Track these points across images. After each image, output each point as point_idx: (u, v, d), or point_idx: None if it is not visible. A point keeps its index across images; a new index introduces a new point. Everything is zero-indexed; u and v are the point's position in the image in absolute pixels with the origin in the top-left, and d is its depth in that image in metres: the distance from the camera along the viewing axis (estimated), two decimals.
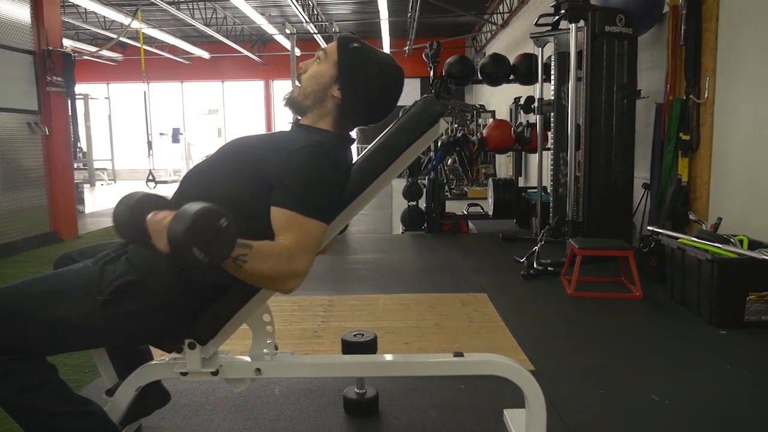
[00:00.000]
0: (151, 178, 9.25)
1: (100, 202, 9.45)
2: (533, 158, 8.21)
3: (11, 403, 1.27)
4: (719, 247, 2.86)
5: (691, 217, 3.63)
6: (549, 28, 4.86)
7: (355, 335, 1.93)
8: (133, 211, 1.19)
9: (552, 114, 4.99)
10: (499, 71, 5.64)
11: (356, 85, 1.38)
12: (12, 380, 1.24)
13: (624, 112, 4.22)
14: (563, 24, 4.82)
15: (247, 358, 1.54)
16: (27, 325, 1.26)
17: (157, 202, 1.22)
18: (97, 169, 13.47)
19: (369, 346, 1.88)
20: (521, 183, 7.39)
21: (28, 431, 1.32)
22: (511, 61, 5.68)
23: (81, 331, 1.30)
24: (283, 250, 1.20)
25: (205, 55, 13.69)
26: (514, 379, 1.54)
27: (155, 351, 1.72)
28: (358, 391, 1.95)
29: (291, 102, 1.44)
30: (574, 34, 4.09)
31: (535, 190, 5.83)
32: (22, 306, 1.27)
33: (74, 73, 5.49)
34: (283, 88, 15.61)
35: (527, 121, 6.07)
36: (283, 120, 15.48)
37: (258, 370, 1.53)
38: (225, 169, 1.37)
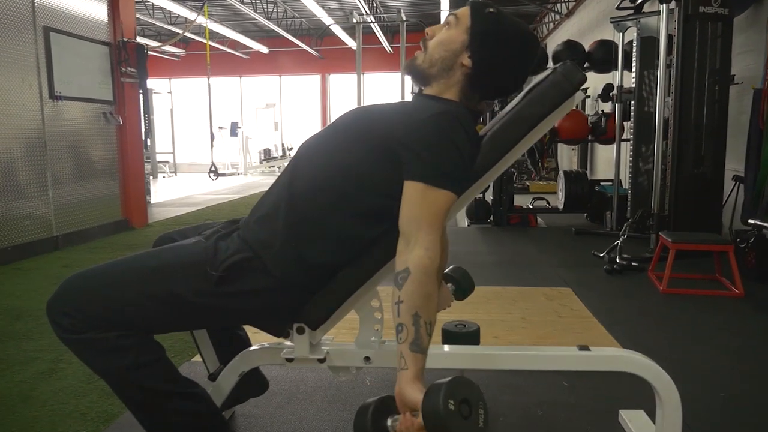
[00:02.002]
0: (213, 170, 9.42)
1: (163, 193, 9.71)
2: (600, 150, 7.90)
3: (118, 380, 1.23)
4: None
5: None
6: (631, 12, 4.61)
7: (456, 325, 1.82)
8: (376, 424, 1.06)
9: (632, 103, 4.73)
10: (574, 58, 5.39)
11: (489, 54, 1.26)
12: (121, 357, 1.20)
13: (716, 100, 3.93)
14: (648, 7, 4.56)
15: (355, 345, 1.46)
16: (139, 300, 1.21)
17: (389, 406, 1.08)
18: (159, 162, 13.88)
19: (472, 337, 1.77)
20: (588, 176, 7.10)
21: (133, 408, 1.28)
22: (586, 48, 5.43)
23: (193, 308, 1.24)
24: (417, 259, 1.08)
25: (264, 49, 13.87)
26: (648, 377, 1.39)
27: (253, 336, 1.66)
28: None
29: (414, 69, 1.33)
30: (665, 16, 3.83)
31: (610, 183, 5.58)
32: (134, 280, 1.22)
33: (146, 65, 5.60)
34: (339, 81, 15.67)
35: (602, 111, 5.80)
36: (340, 114, 15.54)
37: (367, 359, 1.44)
38: (345, 140, 1.28)
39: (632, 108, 4.76)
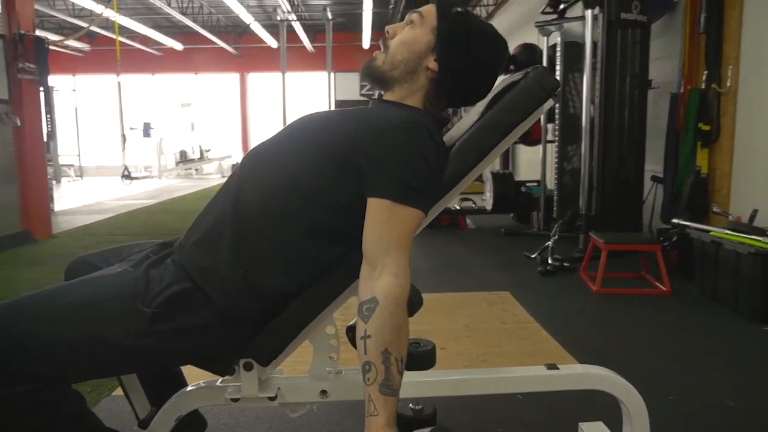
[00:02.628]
0: (126, 173, 8.82)
1: (68, 199, 8.96)
2: (522, 151, 8.10)
3: None
4: (761, 240, 2.73)
5: (715, 209, 3.51)
6: (555, 17, 4.71)
7: (411, 343, 1.70)
8: None
9: (557, 105, 4.84)
10: None
11: (458, 57, 1.15)
12: (34, 413, 0.99)
13: (635, 103, 4.09)
14: (570, 12, 4.68)
15: (309, 378, 1.31)
16: (52, 348, 1.01)
17: None
18: (62, 165, 12.85)
19: (428, 357, 1.67)
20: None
21: None
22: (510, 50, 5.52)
23: (122, 353, 1.05)
24: (386, 287, 0.96)
25: (178, 46, 13.19)
26: (618, 394, 1.34)
27: (188, 372, 1.47)
28: (413, 407, 1.73)
29: (372, 71, 1.19)
30: (590, 21, 3.93)
31: (535, 184, 5.70)
32: (45, 322, 1.01)
33: (47, 61, 5.10)
34: (259, 81, 15.22)
35: None
36: (260, 114, 15.11)
37: (323, 392, 1.29)
38: (297, 150, 1.12)
39: (557, 110, 4.88)
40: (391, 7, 10.84)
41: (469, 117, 1.29)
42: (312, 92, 14.44)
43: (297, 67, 13.74)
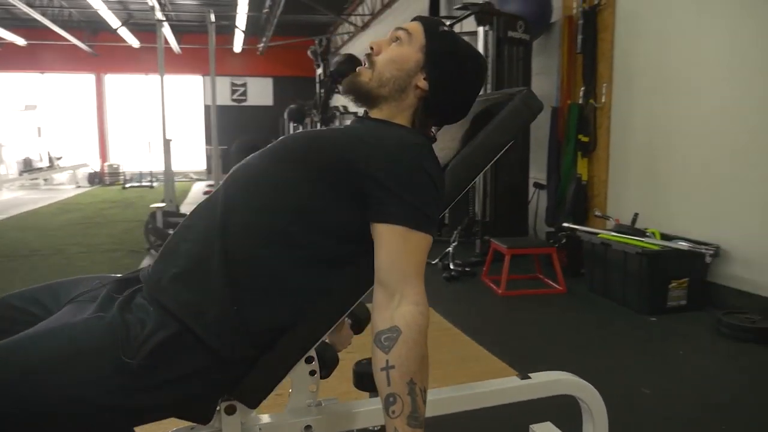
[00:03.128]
0: None
1: None
2: None
3: None
4: (644, 241, 3.06)
5: (597, 213, 3.88)
6: None
7: (367, 363, 1.65)
8: None
9: None
10: None
11: (448, 76, 1.14)
12: None
13: None
14: (457, 27, 4.90)
15: (290, 414, 1.21)
16: (24, 416, 0.83)
17: None
18: None
19: None
20: None
21: None
22: None
23: (106, 415, 0.90)
24: (408, 316, 0.93)
25: (20, 41, 11.74)
26: (583, 397, 1.42)
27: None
28: (373, 428, 1.68)
29: (359, 88, 1.14)
30: (482, 37, 4.15)
31: None
32: (12, 387, 0.83)
33: None
34: (118, 83, 14.04)
35: None
36: (121, 120, 13.93)
37: (308, 428, 1.20)
38: (292, 172, 1.03)
39: None
40: (265, 11, 10.61)
41: (448, 136, 1.28)
42: (180, 96, 13.62)
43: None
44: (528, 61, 4.38)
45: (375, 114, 1.16)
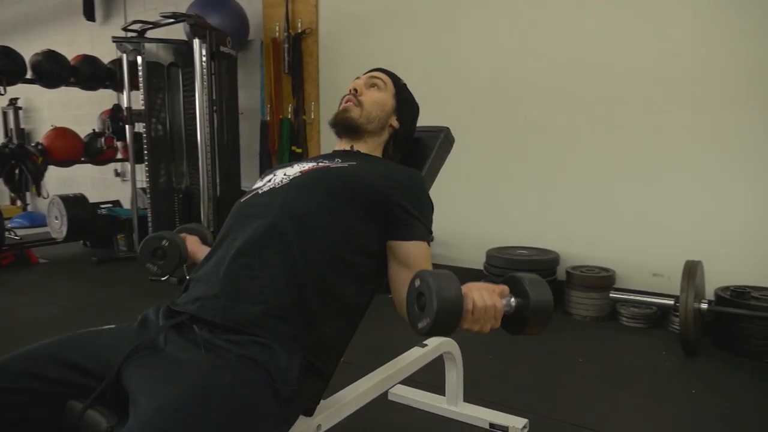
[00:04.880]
0: None
1: None
2: (80, 170, 7.19)
3: None
4: None
5: None
6: (135, 34, 4.64)
7: None
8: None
9: (140, 125, 4.80)
10: (60, 71, 4.90)
11: (409, 118, 1.48)
12: None
13: (231, 126, 4.59)
14: (151, 33, 4.73)
15: (300, 418, 1.32)
16: None
17: None
18: None
19: None
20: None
21: None
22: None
23: None
24: None
25: None
26: (452, 351, 1.91)
27: None
28: None
29: (350, 122, 1.37)
30: (198, 49, 4.15)
31: (110, 205, 5.44)
32: None
33: None
34: None
35: (94, 129, 5.45)
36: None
37: (318, 428, 1.34)
38: (341, 207, 1.20)
39: (137, 129, 4.84)
40: None
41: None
42: None
43: None
44: (234, 76, 4.60)
45: (360, 147, 1.39)
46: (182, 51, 4.32)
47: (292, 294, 1.09)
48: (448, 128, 1.60)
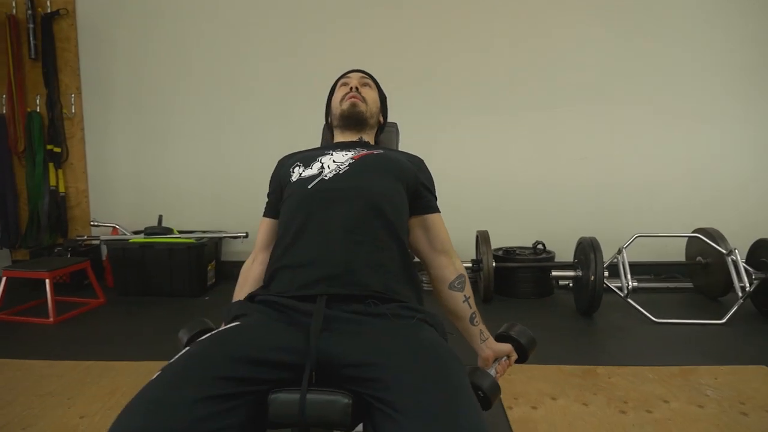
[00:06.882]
0: None
1: None
2: None
3: None
4: (182, 237, 3.58)
5: (94, 222, 3.87)
6: None
7: None
8: None
9: None
10: None
11: (386, 115, 1.70)
12: None
13: None
14: None
15: None
16: None
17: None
18: None
19: None
20: None
21: None
22: None
23: None
24: (461, 266, 1.51)
25: None
26: None
27: None
28: None
29: (360, 116, 1.53)
30: None
31: None
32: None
33: None
34: None
35: None
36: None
37: None
38: (396, 186, 1.37)
39: None
40: None
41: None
42: None
43: None
44: None
45: (367, 137, 1.57)
46: None
47: (400, 263, 1.25)
48: (393, 123, 1.87)
